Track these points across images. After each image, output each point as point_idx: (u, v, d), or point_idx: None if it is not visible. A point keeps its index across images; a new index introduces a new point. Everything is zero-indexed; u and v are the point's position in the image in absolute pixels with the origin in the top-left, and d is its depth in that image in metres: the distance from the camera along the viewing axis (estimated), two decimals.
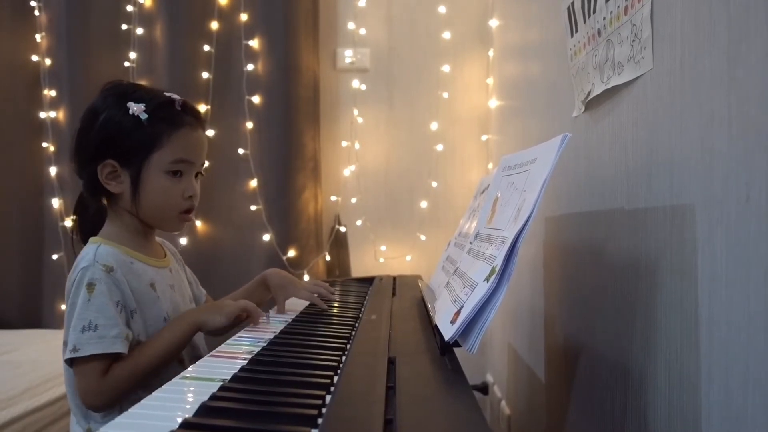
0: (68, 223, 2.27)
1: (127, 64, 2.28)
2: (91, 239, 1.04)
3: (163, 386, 0.64)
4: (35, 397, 1.52)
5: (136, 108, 1.00)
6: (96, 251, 0.98)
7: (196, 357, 1.05)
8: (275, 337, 0.88)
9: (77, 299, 0.94)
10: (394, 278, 1.59)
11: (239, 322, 1.03)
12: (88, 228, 1.08)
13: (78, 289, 0.95)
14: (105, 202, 1.06)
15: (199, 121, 1.08)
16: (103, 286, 0.95)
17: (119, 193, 1.02)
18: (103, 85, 1.07)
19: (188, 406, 0.56)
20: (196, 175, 1.08)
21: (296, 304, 1.23)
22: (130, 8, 2.26)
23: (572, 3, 0.96)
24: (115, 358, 0.93)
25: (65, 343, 0.94)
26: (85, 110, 1.05)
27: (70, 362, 0.93)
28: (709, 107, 0.57)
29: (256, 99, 2.23)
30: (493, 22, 2.21)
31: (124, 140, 1.00)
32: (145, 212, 1.04)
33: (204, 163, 1.10)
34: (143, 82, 2.28)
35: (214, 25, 2.24)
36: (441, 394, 0.60)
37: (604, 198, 0.87)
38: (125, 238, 1.04)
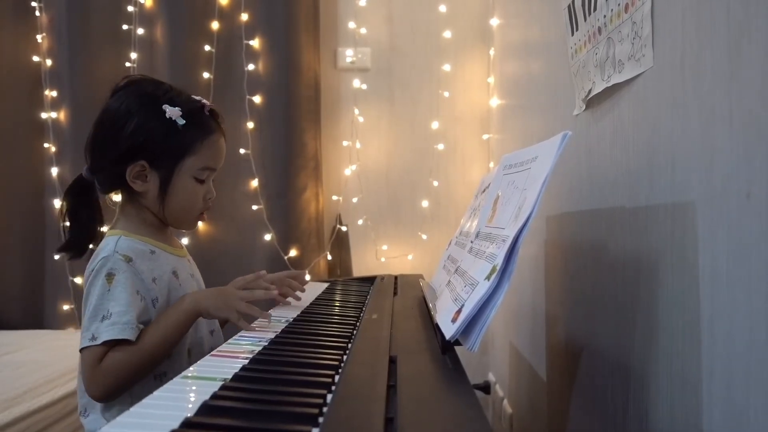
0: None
1: (128, 64, 2.27)
2: (111, 232, 1.05)
3: (164, 385, 0.64)
4: (37, 397, 1.52)
5: (171, 112, 1.00)
6: (116, 242, 1.00)
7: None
8: (276, 336, 0.88)
9: (95, 288, 0.96)
10: (396, 277, 1.59)
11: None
12: (84, 215, 1.07)
13: (96, 278, 0.96)
14: (119, 196, 1.07)
15: (221, 127, 1.09)
16: (122, 276, 0.96)
17: (143, 191, 1.03)
18: (125, 83, 1.05)
19: (189, 405, 0.56)
20: None
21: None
22: (130, 8, 2.27)
23: (572, 1, 0.96)
24: (113, 346, 0.92)
25: (84, 331, 0.96)
26: (110, 110, 1.03)
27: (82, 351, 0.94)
28: (710, 104, 0.57)
29: (257, 99, 2.23)
30: (494, 21, 2.21)
31: (159, 144, 1.01)
32: (168, 212, 1.05)
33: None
34: None
35: (215, 24, 2.24)
36: (442, 392, 0.60)
37: (605, 196, 0.86)
38: (144, 231, 1.06)
